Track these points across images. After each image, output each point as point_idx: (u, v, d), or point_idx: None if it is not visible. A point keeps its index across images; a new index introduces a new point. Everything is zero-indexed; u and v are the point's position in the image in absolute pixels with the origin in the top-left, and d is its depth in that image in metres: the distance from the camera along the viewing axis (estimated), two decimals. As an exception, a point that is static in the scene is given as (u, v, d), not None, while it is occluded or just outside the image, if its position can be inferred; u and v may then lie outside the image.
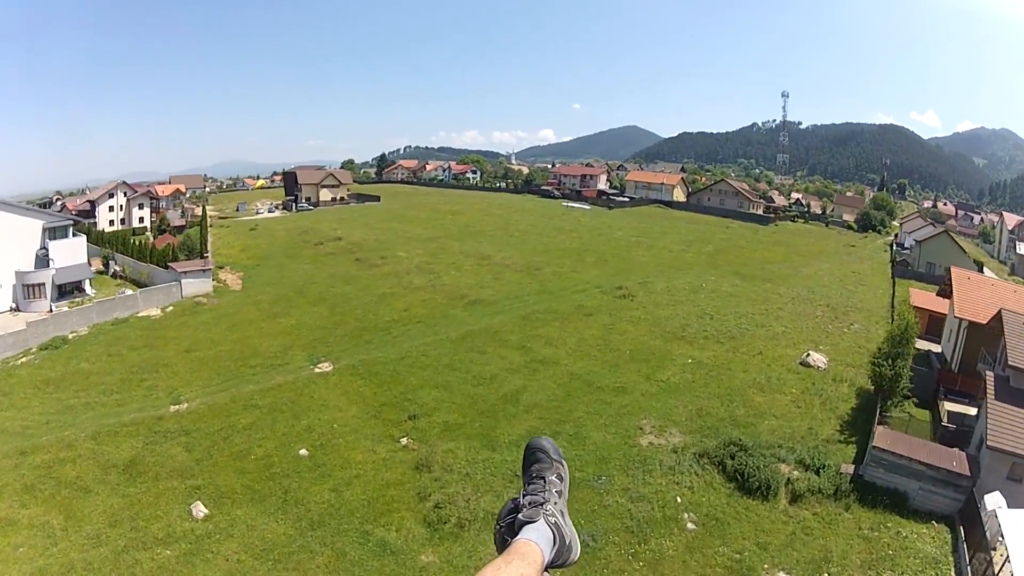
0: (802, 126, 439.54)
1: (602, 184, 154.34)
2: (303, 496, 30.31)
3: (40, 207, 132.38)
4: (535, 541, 2.13)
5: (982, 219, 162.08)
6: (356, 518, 28.66)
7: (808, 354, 44.25)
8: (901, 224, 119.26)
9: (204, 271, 67.37)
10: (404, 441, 34.33)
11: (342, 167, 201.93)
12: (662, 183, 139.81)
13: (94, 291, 66.03)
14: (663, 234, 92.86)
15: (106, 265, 74.63)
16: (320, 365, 44.97)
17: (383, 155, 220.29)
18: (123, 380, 44.39)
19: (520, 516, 2.27)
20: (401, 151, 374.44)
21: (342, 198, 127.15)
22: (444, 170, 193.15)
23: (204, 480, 31.78)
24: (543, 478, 2.48)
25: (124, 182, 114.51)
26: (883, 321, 52.50)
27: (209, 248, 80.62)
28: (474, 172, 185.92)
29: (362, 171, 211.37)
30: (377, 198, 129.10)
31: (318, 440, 34.86)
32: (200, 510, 29.53)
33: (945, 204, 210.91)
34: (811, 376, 41.55)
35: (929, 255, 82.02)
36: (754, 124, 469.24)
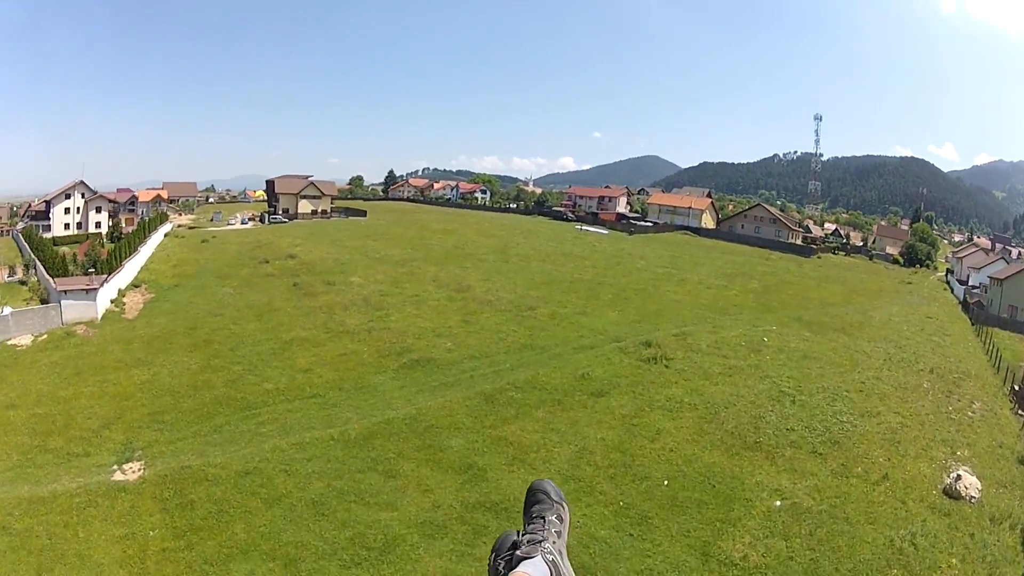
0: (823, 158, 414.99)
1: (622, 207, 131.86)
2: None
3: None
4: (531, 574, 2.03)
5: (1020, 253, 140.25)
6: None
7: (958, 475, 24.53)
8: (960, 258, 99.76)
9: (88, 291, 47.84)
10: None
11: (350, 183, 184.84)
12: (689, 207, 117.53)
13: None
14: (695, 265, 71.14)
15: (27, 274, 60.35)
16: (128, 466, 25.55)
17: (391, 172, 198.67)
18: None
19: (518, 552, 2.14)
20: (419, 172, 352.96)
21: (324, 211, 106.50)
22: (452, 189, 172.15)
23: None
24: (543, 518, 2.35)
25: (82, 182, 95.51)
26: (1000, 394, 35.71)
27: (134, 260, 61.46)
28: (483, 192, 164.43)
29: (370, 188, 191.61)
30: (364, 213, 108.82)
31: None
32: None
33: (979, 237, 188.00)
34: (964, 518, 22.67)
35: (1011, 297, 65.08)
36: (775, 156, 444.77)
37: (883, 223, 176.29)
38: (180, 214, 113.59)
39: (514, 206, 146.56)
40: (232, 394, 31.09)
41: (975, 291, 76.09)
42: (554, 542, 2.21)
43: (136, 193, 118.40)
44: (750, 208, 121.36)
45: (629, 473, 22.81)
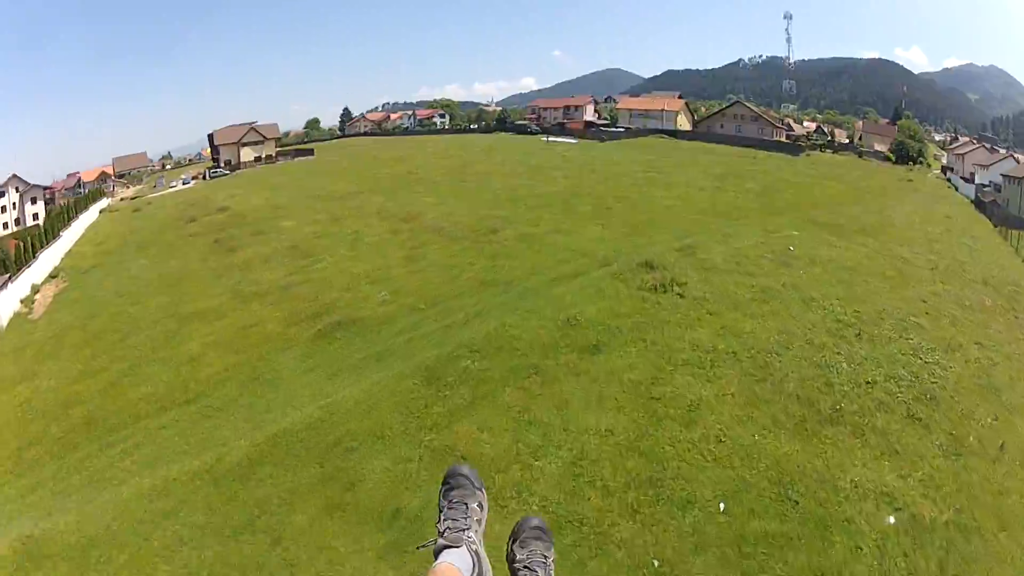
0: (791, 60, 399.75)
1: (589, 115, 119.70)
2: None
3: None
4: (457, 566, 1.90)
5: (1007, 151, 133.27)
6: None
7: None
8: (960, 155, 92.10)
9: (-12, 296, 38.10)
10: None
11: (305, 127, 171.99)
12: (662, 109, 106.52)
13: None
14: (679, 167, 61.84)
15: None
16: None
17: (346, 109, 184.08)
18: None
19: (442, 540, 2.03)
20: (380, 108, 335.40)
21: (268, 156, 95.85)
22: (408, 117, 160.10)
23: None
24: (465, 504, 2.17)
25: (15, 175, 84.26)
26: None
27: (54, 247, 51.59)
28: (442, 116, 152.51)
29: (328, 129, 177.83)
30: (311, 152, 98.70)
31: None
32: None
33: (963, 137, 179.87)
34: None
35: (1034, 197, 58.59)
36: (740, 60, 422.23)
37: (865, 120, 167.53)
38: (128, 187, 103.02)
39: (475, 127, 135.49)
40: (103, 408, 21.59)
41: (986, 190, 70.06)
42: (476, 531, 2.04)
43: (81, 175, 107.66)
44: (729, 106, 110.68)
45: (661, 496, 13.21)
